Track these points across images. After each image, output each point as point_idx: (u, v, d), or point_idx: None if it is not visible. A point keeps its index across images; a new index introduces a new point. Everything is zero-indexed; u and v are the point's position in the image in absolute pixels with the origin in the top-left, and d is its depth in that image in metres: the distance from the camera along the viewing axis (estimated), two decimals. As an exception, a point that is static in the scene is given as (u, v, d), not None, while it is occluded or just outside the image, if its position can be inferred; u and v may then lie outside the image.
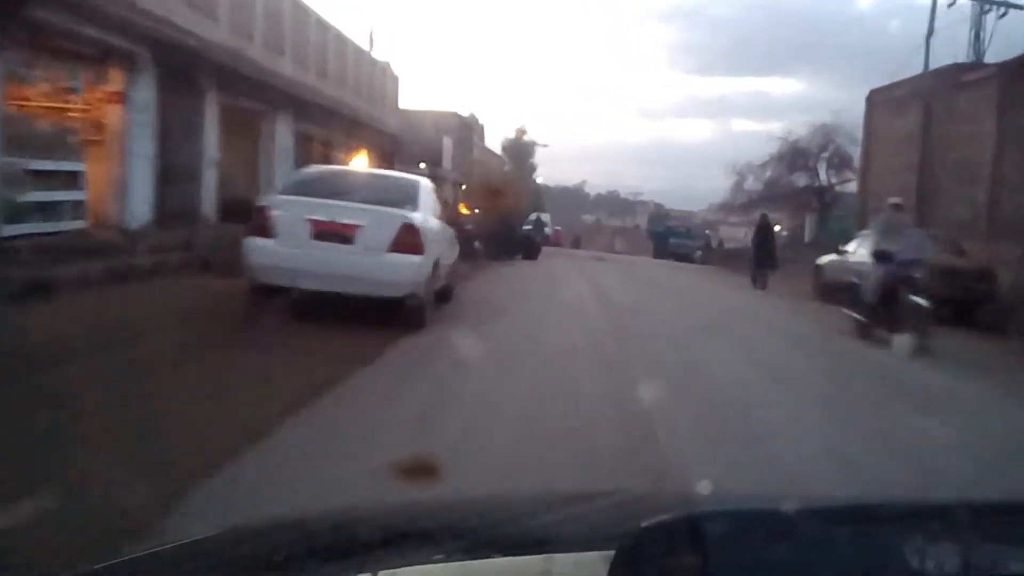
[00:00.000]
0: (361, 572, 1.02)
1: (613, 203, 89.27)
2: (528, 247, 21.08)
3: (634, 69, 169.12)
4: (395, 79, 23.09)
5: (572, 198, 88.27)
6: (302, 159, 14.58)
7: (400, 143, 20.65)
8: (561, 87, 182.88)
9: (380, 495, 2.96)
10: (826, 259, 14.73)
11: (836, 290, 12.30)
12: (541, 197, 52.40)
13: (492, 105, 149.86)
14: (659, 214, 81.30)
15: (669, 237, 37.57)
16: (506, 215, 20.65)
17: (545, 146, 51.78)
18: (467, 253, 12.61)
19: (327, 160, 15.53)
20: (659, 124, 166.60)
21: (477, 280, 12.81)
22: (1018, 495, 2.99)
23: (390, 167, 18.22)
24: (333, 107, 16.61)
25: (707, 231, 42.32)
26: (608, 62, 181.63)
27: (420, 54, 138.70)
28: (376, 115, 20.03)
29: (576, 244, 54.99)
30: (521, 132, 51.15)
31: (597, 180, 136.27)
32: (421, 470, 3.17)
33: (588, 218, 78.83)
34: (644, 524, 0.78)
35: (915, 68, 21.94)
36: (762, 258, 17.06)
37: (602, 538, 0.98)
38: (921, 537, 0.87)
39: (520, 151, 50.30)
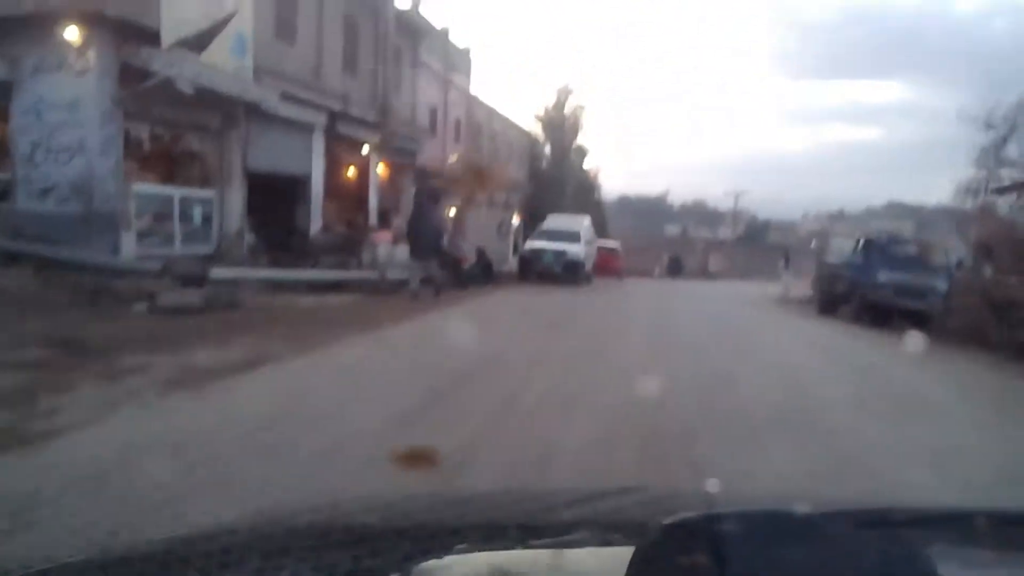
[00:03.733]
0: (383, 562, 1.00)
1: (700, 214, 79.09)
2: None
3: (721, 76, 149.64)
4: None
5: (654, 208, 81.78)
6: None
7: None
8: (639, 94, 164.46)
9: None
10: None
11: None
12: (595, 199, 35.88)
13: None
14: (758, 225, 63.77)
15: (878, 268, 15.36)
16: None
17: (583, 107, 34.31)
18: None
19: None
20: (747, 133, 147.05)
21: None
22: None
23: None
24: None
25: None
26: (692, 69, 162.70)
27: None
28: None
29: (674, 270, 37.80)
30: (565, 93, 34.02)
31: (680, 191, 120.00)
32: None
33: (672, 228, 64.29)
34: (665, 522, 0.79)
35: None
36: None
37: (622, 535, 1.01)
38: (941, 543, 0.88)
39: (563, 126, 33.40)
